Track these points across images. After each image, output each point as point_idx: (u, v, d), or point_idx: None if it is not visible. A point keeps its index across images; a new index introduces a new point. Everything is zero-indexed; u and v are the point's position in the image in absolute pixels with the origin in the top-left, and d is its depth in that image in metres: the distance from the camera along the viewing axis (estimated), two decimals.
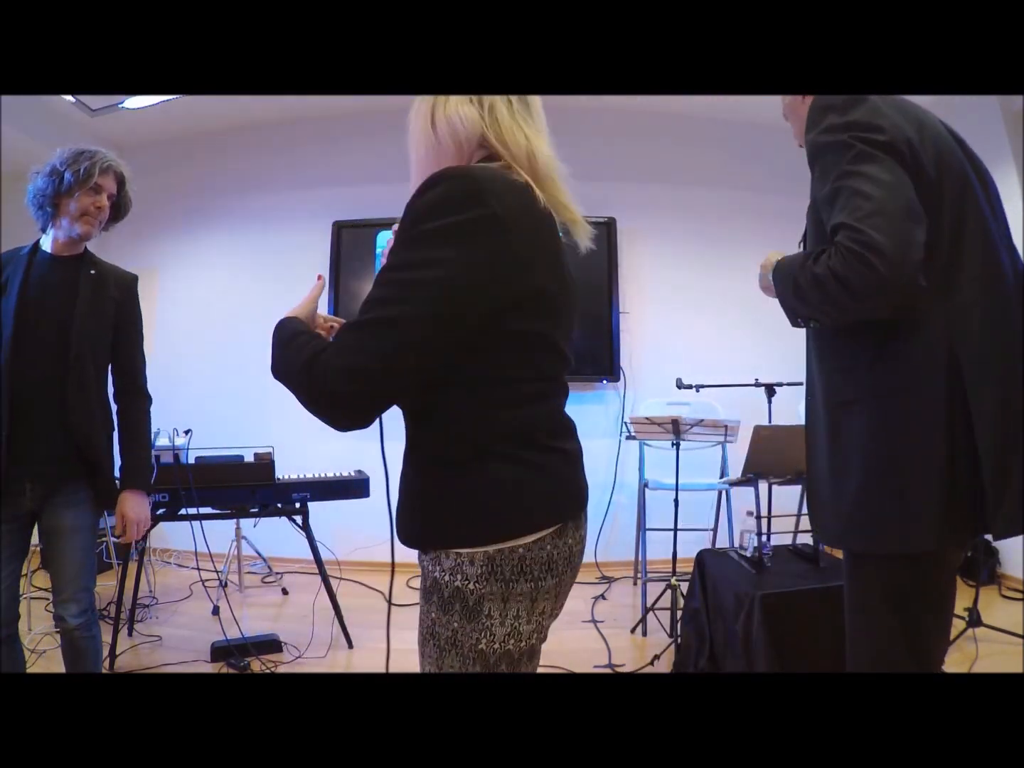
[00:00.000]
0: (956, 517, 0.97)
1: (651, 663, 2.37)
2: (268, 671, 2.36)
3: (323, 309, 1.04)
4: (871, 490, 1.03)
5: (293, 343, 0.85)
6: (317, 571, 2.66)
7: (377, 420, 0.85)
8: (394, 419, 0.91)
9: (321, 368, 0.79)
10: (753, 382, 3.12)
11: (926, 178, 0.99)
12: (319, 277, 0.99)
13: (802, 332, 1.25)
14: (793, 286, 1.12)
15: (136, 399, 1.83)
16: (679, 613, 2.48)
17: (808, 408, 1.24)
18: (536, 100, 0.97)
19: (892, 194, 0.93)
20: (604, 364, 3.70)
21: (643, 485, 3.26)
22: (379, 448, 0.95)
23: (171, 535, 3.72)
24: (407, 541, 0.88)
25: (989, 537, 3.00)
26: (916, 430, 0.98)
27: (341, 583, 3.19)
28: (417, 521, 0.86)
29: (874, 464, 1.03)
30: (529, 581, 0.83)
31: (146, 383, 1.89)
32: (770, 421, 3.04)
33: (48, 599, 2.87)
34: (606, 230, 3.76)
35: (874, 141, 0.98)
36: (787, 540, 2.77)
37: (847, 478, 1.07)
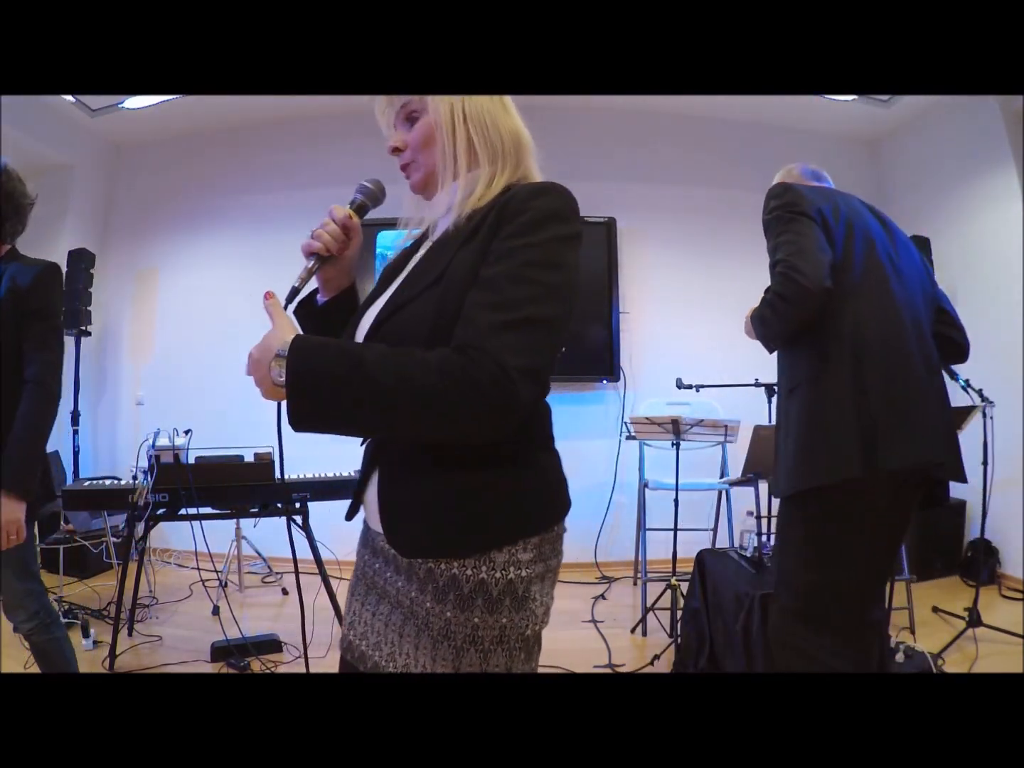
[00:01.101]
0: (861, 456, 1.33)
1: (651, 663, 2.37)
2: (268, 671, 2.36)
3: None
4: (803, 445, 1.41)
5: (393, 363, 0.72)
6: (317, 571, 2.66)
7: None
8: None
9: (501, 373, 0.70)
10: (753, 382, 3.12)
11: (833, 231, 1.45)
12: (268, 296, 0.82)
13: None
14: (759, 319, 1.54)
15: (26, 391, 1.61)
16: (679, 613, 2.48)
17: (778, 408, 1.64)
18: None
19: (807, 239, 1.41)
20: (604, 364, 3.69)
21: (643, 485, 3.26)
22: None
23: (171, 535, 3.73)
24: (456, 550, 0.80)
25: (989, 537, 3.03)
26: (833, 399, 1.38)
27: (341, 583, 3.19)
28: (479, 524, 0.80)
29: (805, 429, 1.42)
30: (556, 556, 0.87)
31: (44, 377, 1.64)
32: (770, 421, 3.04)
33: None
34: (606, 230, 3.76)
35: (796, 211, 1.46)
36: None
37: (789, 443, 1.46)
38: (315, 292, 1.00)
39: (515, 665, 0.83)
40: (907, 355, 1.37)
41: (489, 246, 0.80)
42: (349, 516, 0.95)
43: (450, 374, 0.71)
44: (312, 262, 0.91)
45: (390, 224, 3.30)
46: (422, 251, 0.94)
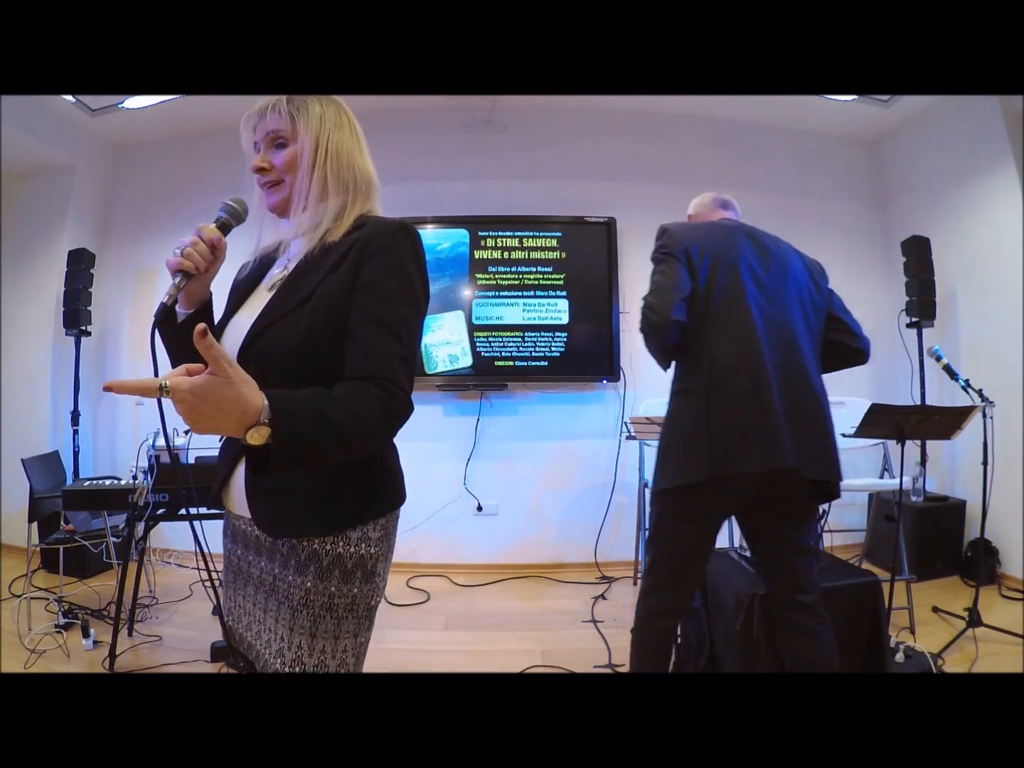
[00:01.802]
0: (705, 464, 1.53)
1: None
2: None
3: None
4: (663, 450, 1.66)
5: (348, 409, 0.83)
6: None
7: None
8: None
9: (405, 400, 0.88)
10: None
11: (697, 267, 1.63)
12: (201, 335, 0.70)
13: None
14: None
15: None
16: None
17: None
18: None
19: (666, 277, 1.62)
20: (604, 364, 3.69)
21: (643, 485, 3.26)
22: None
23: (171, 535, 3.73)
24: (320, 528, 0.93)
25: (989, 537, 3.03)
26: (690, 413, 1.58)
27: None
28: (338, 506, 0.94)
29: (666, 438, 1.66)
30: (394, 537, 1.03)
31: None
32: None
33: (48, 599, 2.88)
34: (606, 230, 3.76)
35: (665, 252, 1.67)
36: None
37: (659, 446, 1.70)
38: (173, 304, 1.01)
39: (360, 632, 0.97)
40: (757, 376, 1.54)
41: (357, 279, 0.92)
42: (210, 505, 1.04)
43: (382, 407, 0.85)
44: (180, 279, 0.93)
45: None
46: (277, 271, 1.04)
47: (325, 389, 0.84)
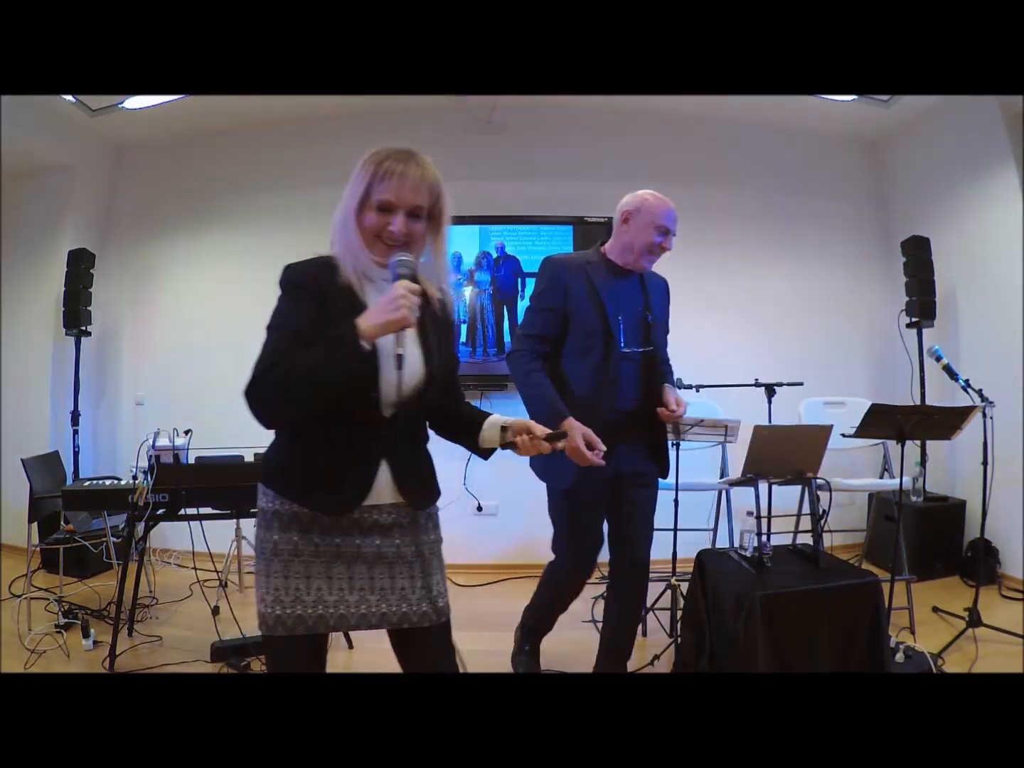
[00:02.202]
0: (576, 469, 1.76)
1: (651, 663, 2.37)
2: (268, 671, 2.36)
3: None
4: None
5: None
6: None
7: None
8: None
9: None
10: (753, 382, 3.12)
11: (561, 307, 1.94)
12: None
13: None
14: None
15: None
16: (679, 613, 2.47)
17: None
18: None
19: (534, 316, 2.00)
20: None
21: None
22: None
23: (171, 535, 3.72)
24: (437, 493, 1.30)
25: (989, 537, 3.04)
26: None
27: None
28: (436, 475, 1.31)
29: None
30: None
31: None
32: (770, 421, 3.04)
33: (48, 599, 2.87)
34: (606, 230, 3.74)
35: (538, 291, 2.01)
36: (787, 540, 2.77)
37: None
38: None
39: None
40: (594, 401, 1.89)
41: (451, 336, 1.35)
42: (339, 511, 1.18)
43: None
44: (406, 331, 1.10)
45: None
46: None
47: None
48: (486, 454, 1.34)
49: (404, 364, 1.09)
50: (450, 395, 1.33)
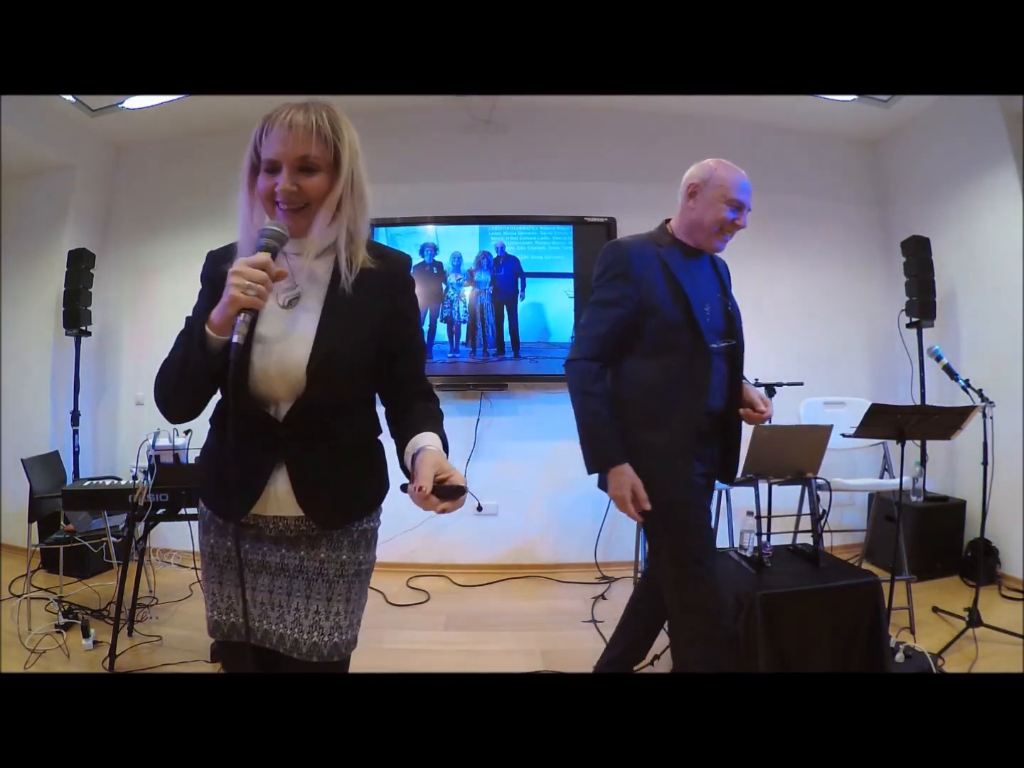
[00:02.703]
0: None
1: (651, 663, 2.37)
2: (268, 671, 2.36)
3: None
4: None
5: None
6: None
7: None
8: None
9: None
10: (753, 382, 3.11)
11: (633, 296, 1.65)
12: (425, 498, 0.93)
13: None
14: None
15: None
16: None
17: None
18: None
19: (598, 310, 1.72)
20: None
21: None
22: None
23: (171, 535, 3.72)
24: (361, 510, 1.12)
25: (989, 537, 3.04)
26: None
27: None
28: (368, 490, 1.15)
29: None
30: None
31: None
32: (770, 421, 3.03)
33: (48, 599, 2.87)
34: (606, 230, 3.75)
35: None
36: (787, 540, 2.77)
37: None
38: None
39: (365, 589, 1.14)
40: (682, 405, 1.66)
41: (394, 307, 1.09)
42: (235, 519, 1.07)
43: (439, 410, 1.17)
44: (246, 316, 0.93)
45: (388, 223, 3.33)
46: (285, 286, 1.05)
47: (434, 411, 1.11)
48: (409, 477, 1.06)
49: (232, 354, 0.92)
50: (391, 384, 1.12)
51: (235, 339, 0.92)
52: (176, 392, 1.02)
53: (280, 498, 1.06)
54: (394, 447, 1.09)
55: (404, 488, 0.96)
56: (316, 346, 1.01)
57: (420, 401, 1.11)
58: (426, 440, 1.01)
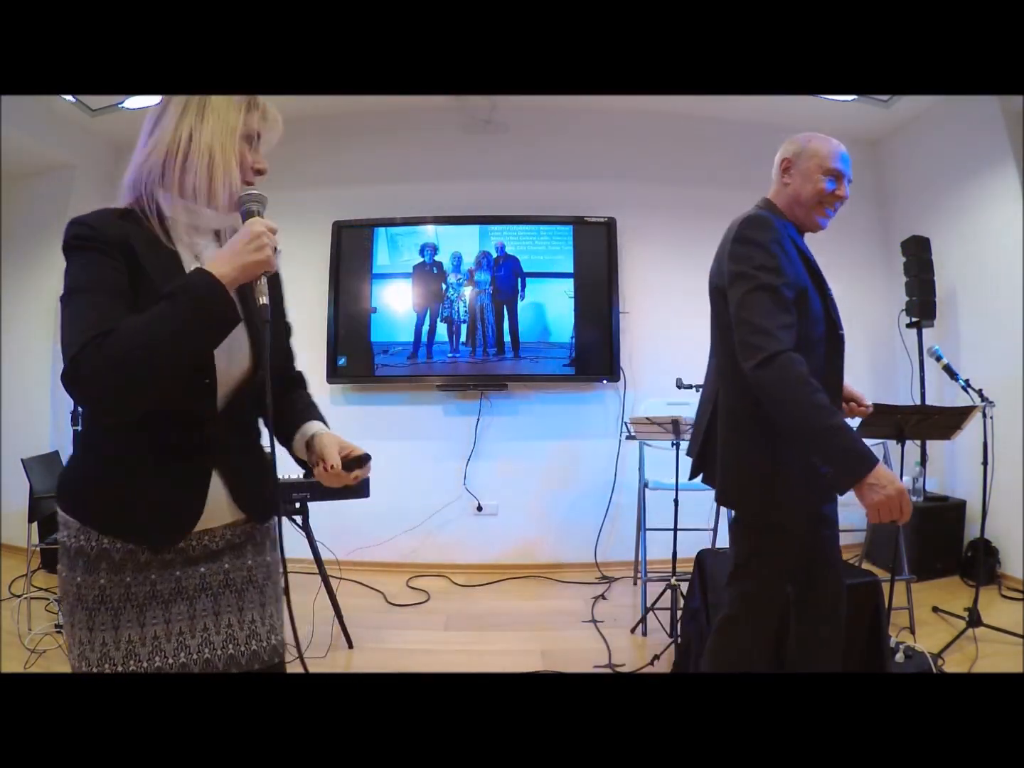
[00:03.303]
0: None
1: (651, 663, 2.37)
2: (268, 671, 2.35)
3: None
4: None
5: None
6: (317, 571, 2.66)
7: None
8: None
9: None
10: None
11: (793, 280, 1.46)
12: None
13: None
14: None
15: None
16: (679, 613, 2.47)
17: None
18: None
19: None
20: (604, 364, 3.69)
21: (643, 485, 3.26)
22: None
23: None
24: (275, 509, 1.10)
25: (989, 537, 3.03)
26: None
27: (341, 583, 3.19)
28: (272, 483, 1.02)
29: None
30: None
31: None
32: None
33: (48, 599, 2.87)
34: (606, 230, 3.75)
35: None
36: None
37: None
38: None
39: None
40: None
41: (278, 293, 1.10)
42: (177, 539, 0.96)
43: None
44: (264, 278, 0.93)
45: (388, 223, 3.35)
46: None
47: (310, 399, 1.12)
48: (304, 465, 1.05)
49: (269, 316, 0.90)
50: (280, 374, 1.07)
51: (264, 300, 0.90)
52: (165, 367, 0.84)
53: (218, 504, 0.98)
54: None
55: (308, 472, 1.02)
56: (255, 345, 0.99)
57: (296, 388, 1.13)
58: (316, 427, 1.03)
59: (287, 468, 2.80)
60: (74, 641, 0.93)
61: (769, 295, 1.40)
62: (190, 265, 0.94)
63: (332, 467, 0.94)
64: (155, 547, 0.94)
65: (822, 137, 1.58)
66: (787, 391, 1.33)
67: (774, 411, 1.37)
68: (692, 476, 1.69)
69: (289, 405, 1.07)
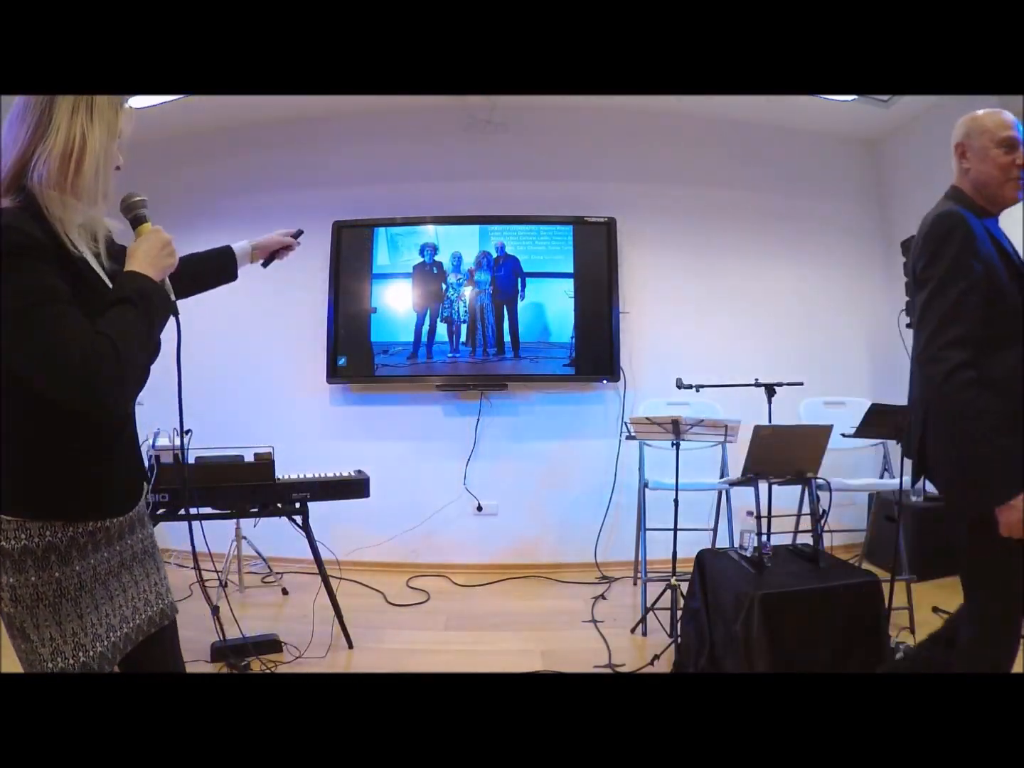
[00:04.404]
0: None
1: (651, 663, 2.37)
2: (268, 671, 2.36)
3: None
4: None
5: None
6: (317, 571, 2.66)
7: None
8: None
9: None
10: (753, 382, 3.12)
11: (979, 278, 1.39)
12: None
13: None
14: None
15: None
16: (679, 613, 2.47)
17: None
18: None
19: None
20: (604, 364, 3.69)
21: (643, 485, 3.26)
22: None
23: (171, 535, 3.72)
24: None
25: None
26: None
27: (341, 583, 3.19)
28: None
29: None
30: None
31: None
32: (770, 421, 3.04)
33: None
34: (606, 230, 3.76)
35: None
36: (787, 540, 2.77)
37: None
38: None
39: None
40: None
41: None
42: (132, 506, 1.09)
43: None
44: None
45: (388, 223, 3.35)
46: (94, 261, 1.04)
47: None
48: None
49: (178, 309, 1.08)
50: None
51: (173, 296, 1.10)
52: (141, 369, 1.00)
53: (143, 481, 1.14)
54: None
55: (267, 262, 1.56)
56: None
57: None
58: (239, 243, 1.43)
59: (286, 468, 2.76)
60: (42, 641, 0.91)
61: (950, 304, 1.36)
62: (95, 266, 1.01)
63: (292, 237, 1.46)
64: (115, 517, 1.03)
65: (985, 111, 1.53)
66: (952, 410, 1.34)
67: (946, 426, 1.38)
68: (915, 478, 1.56)
69: (190, 266, 1.32)
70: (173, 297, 1.06)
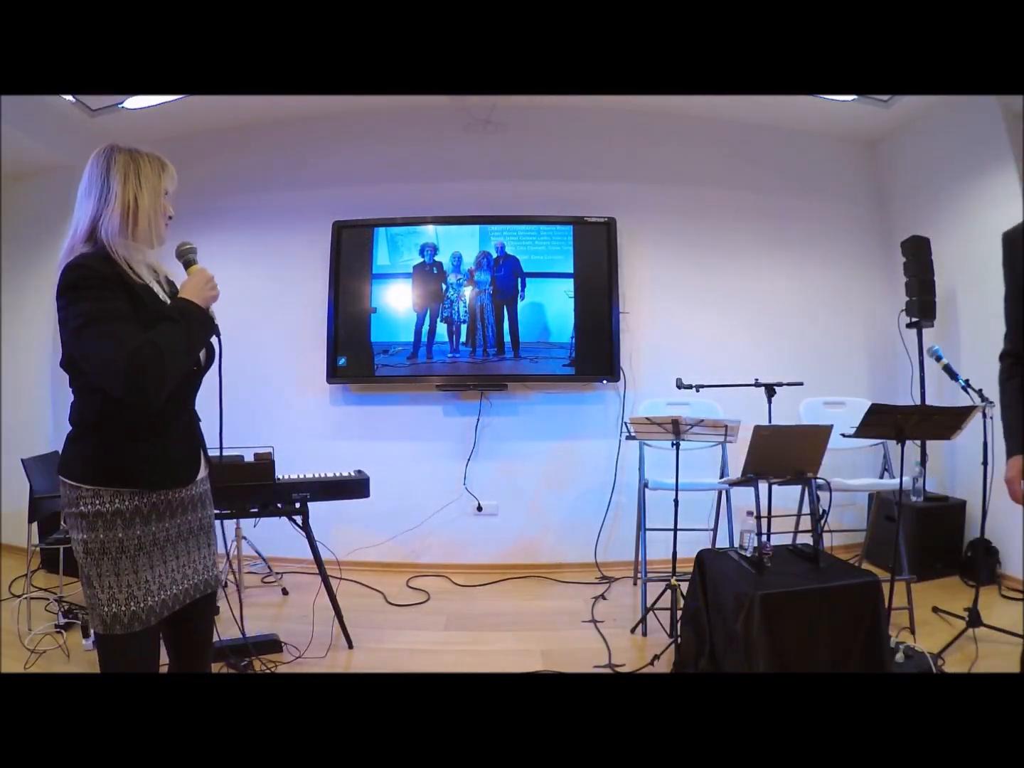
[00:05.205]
0: None
1: (651, 663, 2.37)
2: (268, 671, 2.36)
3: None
4: None
5: None
6: (317, 571, 2.66)
7: None
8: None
9: None
10: (753, 382, 3.12)
11: None
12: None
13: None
14: None
15: None
16: (679, 613, 2.47)
17: None
18: None
19: None
20: (604, 364, 3.69)
21: (643, 485, 3.26)
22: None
23: None
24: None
25: (989, 537, 3.02)
26: None
27: (341, 583, 3.19)
28: None
29: None
30: None
31: None
32: (770, 421, 3.04)
33: (48, 599, 2.87)
34: (606, 230, 3.75)
35: None
36: (787, 540, 2.77)
37: None
38: None
39: None
40: None
41: None
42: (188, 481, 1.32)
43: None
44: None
45: (388, 223, 3.34)
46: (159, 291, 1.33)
47: None
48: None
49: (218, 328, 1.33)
50: None
51: (216, 320, 1.35)
52: (181, 367, 1.23)
53: (200, 464, 1.36)
54: None
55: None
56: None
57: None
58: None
59: (286, 468, 2.78)
60: (102, 588, 1.16)
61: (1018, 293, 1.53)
62: (159, 293, 1.30)
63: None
64: (175, 489, 1.27)
65: None
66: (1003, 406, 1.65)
67: None
68: None
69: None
70: (216, 321, 1.33)
